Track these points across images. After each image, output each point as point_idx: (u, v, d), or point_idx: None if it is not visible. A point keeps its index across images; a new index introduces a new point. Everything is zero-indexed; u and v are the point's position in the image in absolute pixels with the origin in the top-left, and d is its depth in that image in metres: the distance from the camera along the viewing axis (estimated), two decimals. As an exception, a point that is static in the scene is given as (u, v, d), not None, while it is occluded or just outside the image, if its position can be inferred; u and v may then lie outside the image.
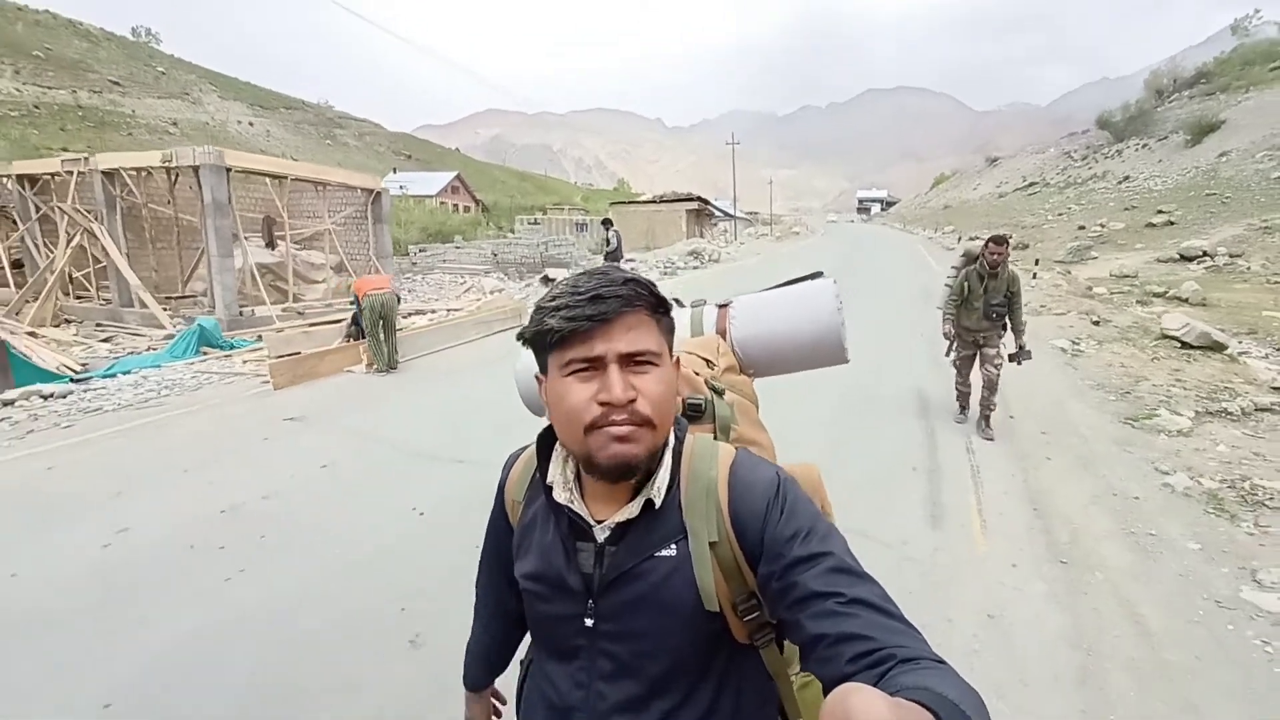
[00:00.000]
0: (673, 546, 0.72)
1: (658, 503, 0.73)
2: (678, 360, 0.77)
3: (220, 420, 5.27)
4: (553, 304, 0.69)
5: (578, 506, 0.75)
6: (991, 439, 4.57)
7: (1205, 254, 19.40)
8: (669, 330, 0.75)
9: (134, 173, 11.42)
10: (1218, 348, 6.91)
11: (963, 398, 5.00)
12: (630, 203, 38.15)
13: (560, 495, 0.76)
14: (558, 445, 0.79)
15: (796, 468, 0.90)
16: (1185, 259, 19.62)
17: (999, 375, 4.67)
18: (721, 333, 1.13)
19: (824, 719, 0.38)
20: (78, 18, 63.89)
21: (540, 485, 0.80)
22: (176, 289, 12.54)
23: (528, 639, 0.94)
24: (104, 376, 6.79)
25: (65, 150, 23.08)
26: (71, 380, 6.61)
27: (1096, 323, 8.27)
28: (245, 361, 7.55)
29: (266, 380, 6.29)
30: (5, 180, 12.54)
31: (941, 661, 0.53)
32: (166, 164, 10.58)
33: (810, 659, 0.62)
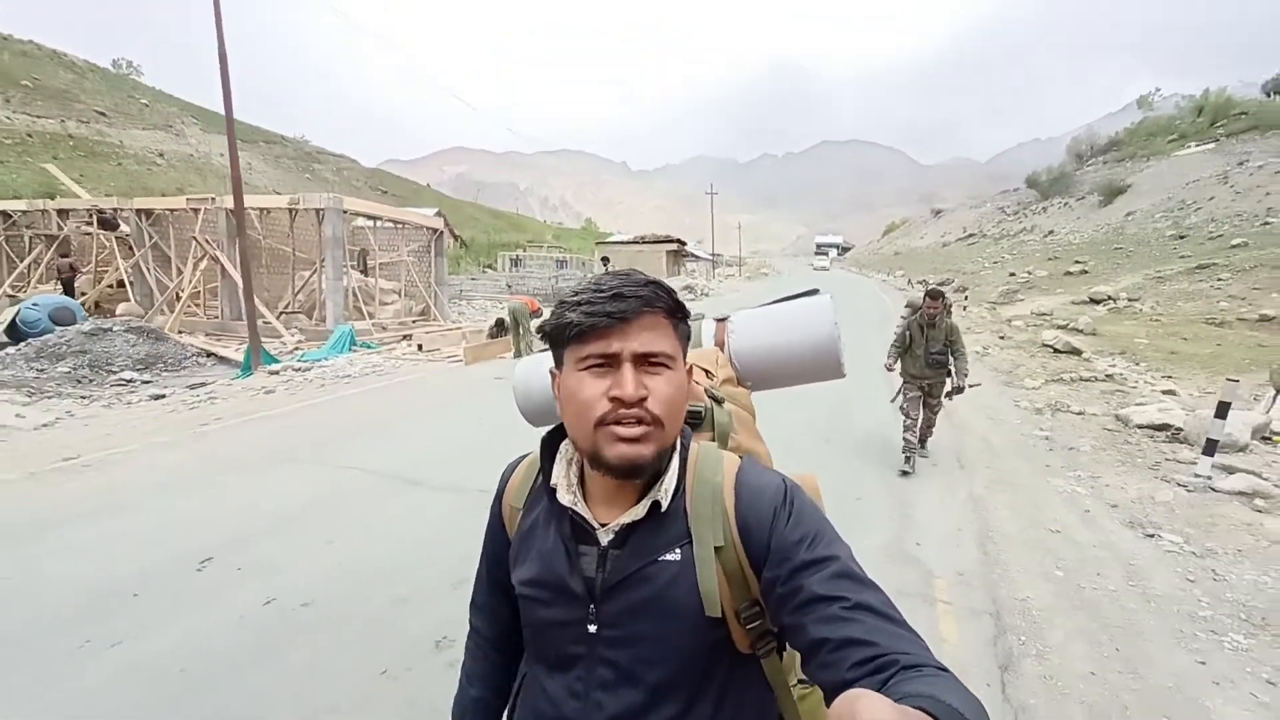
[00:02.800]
0: (677, 551, 0.72)
1: (665, 505, 0.73)
2: (690, 368, 0.79)
3: (448, 381, 7.96)
4: (575, 299, 0.71)
5: (581, 509, 0.75)
6: (926, 456, 5.19)
7: (1110, 298, 23.64)
8: (685, 336, 0.76)
9: (256, 211, 14.10)
10: (1076, 352, 10.46)
11: (908, 446, 4.91)
12: (615, 243, 41.65)
13: (564, 497, 0.76)
14: (562, 447, 0.80)
15: (795, 477, 0.85)
16: (1094, 301, 23.74)
17: (936, 416, 5.25)
18: (720, 345, 1.17)
19: None
20: (61, 49, 64.96)
21: (541, 491, 0.80)
22: (277, 307, 15.05)
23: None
24: (315, 360, 9.45)
25: (51, 176, 25.06)
26: (300, 361, 9.24)
27: (1003, 338, 11.83)
28: (394, 353, 10.32)
29: (455, 360, 9.08)
30: (128, 213, 14.96)
31: (944, 669, 0.53)
32: (293, 206, 13.35)
33: (812, 663, 0.62)
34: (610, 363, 0.69)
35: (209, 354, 11.11)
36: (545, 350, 1.04)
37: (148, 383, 9.09)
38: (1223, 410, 4.38)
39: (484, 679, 0.93)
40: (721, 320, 1.21)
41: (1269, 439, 6.22)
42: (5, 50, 56.58)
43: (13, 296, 14.15)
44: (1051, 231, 46.45)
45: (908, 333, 5.03)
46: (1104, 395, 7.47)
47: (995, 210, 59.33)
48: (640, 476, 0.71)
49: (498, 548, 0.88)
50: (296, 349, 11.61)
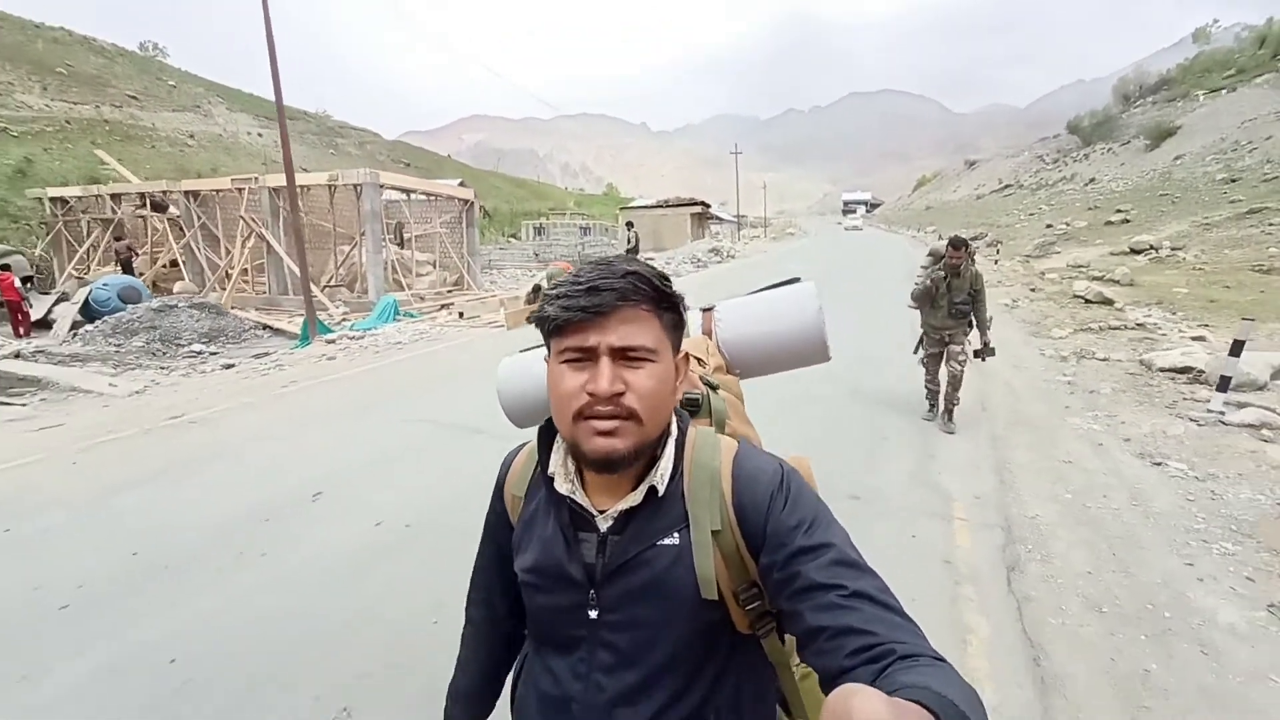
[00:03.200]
0: (675, 535, 0.74)
1: (661, 490, 0.74)
2: (685, 356, 0.78)
3: (493, 344, 8.46)
4: (555, 291, 0.71)
5: (579, 497, 0.76)
6: (953, 432, 4.77)
7: (1151, 247, 22.95)
8: (673, 326, 0.75)
9: (298, 189, 14.67)
10: (1108, 303, 10.47)
11: (931, 395, 5.08)
12: (639, 207, 41.51)
13: (562, 486, 0.77)
14: (559, 436, 0.80)
15: (788, 460, 0.86)
16: (1135, 252, 23.06)
17: (963, 372, 4.85)
18: (707, 334, 1.19)
19: (825, 719, 0.38)
20: (90, 34, 66.06)
21: (541, 479, 0.82)
22: (319, 281, 15.75)
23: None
24: (365, 329, 10.08)
25: (101, 163, 26.07)
26: (352, 331, 9.89)
27: (1033, 290, 11.85)
28: (437, 321, 10.89)
29: (496, 325, 9.61)
30: (177, 195, 15.69)
31: (941, 659, 0.54)
32: (332, 183, 13.85)
33: (809, 650, 0.63)
34: (588, 356, 0.69)
35: (265, 327, 11.84)
36: (531, 349, 1.12)
37: (215, 354, 9.83)
38: (1237, 348, 4.60)
39: (478, 668, 0.96)
40: (707, 310, 1.22)
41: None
42: (39, 39, 57.86)
43: (79, 278, 15.09)
44: (1093, 180, 44.68)
45: (930, 282, 4.87)
46: (1132, 343, 7.61)
47: (1033, 159, 57.06)
48: (616, 470, 0.72)
49: (500, 536, 0.89)
50: (344, 320, 12.27)
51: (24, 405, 6.84)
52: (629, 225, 17.56)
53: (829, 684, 0.57)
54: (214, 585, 2.94)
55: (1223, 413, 4.62)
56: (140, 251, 16.10)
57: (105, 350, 9.65)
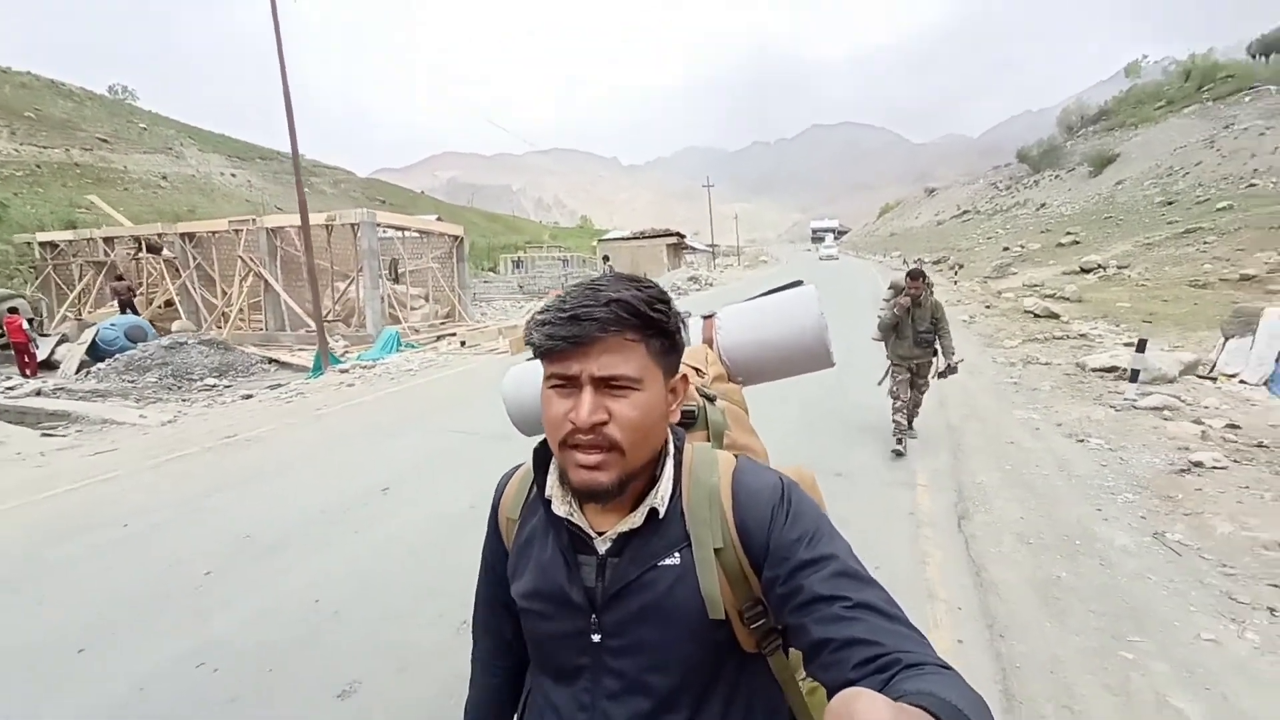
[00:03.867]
0: (676, 555, 0.73)
1: (661, 511, 0.73)
2: (684, 377, 0.77)
3: (500, 368, 9.07)
4: (541, 317, 0.70)
5: (577, 519, 0.75)
6: (914, 438, 5.18)
7: (1100, 266, 24.61)
8: (663, 351, 0.72)
9: (295, 229, 15.31)
10: (1054, 316, 11.64)
11: (898, 428, 4.96)
12: (617, 239, 42.75)
13: (559, 508, 0.76)
14: (555, 458, 0.78)
15: (789, 470, 0.87)
16: (1085, 271, 24.71)
17: (923, 396, 5.30)
18: (708, 342, 1.17)
19: None
20: (58, 78, 65.93)
21: (537, 501, 0.80)
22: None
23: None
24: (373, 359, 10.69)
25: (86, 207, 26.37)
26: (359, 361, 10.49)
27: (988, 307, 13.02)
28: (439, 350, 11.55)
29: (500, 351, 10.30)
30: (172, 237, 16.18)
31: (947, 666, 0.54)
32: (330, 222, 14.55)
33: (815, 663, 0.62)
34: (572, 384, 0.68)
35: (271, 360, 12.35)
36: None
37: (228, 386, 10.33)
38: (1141, 346, 5.60)
39: (487, 695, 0.94)
40: (708, 317, 1.21)
41: (1213, 379, 7.42)
42: (6, 83, 57.67)
43: (77, 319, 15.36)
44: (1044, 204, 47.18)
45: (893, 314, 5.02)
46: (1072, 349, 8.67)
47: (988, 186, 60.21)
48: (601, 502, 0.71)
49: (496, 561, 0.88)
50: (346, 352, 12.84)
51: (64, 435, 7.30)
52: (605, 259, 18.65)
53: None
54: (326, 553, 3.61)
55: (1134, 400, 5.58)
56: (137, 292, 16.46)
57: (121, 386, 10.09)
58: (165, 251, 16.42)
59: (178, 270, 16.24)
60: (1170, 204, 35.15)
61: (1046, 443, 4.99)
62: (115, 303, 15.38)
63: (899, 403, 5.03)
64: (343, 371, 9.93)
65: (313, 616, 2.95)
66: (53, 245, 18.31)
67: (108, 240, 17.38)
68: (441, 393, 8.15)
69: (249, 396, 9.07)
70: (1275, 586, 2.89)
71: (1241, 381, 7.44)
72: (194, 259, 15.99)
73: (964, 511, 3.87)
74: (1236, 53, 60.00)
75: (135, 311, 15.21)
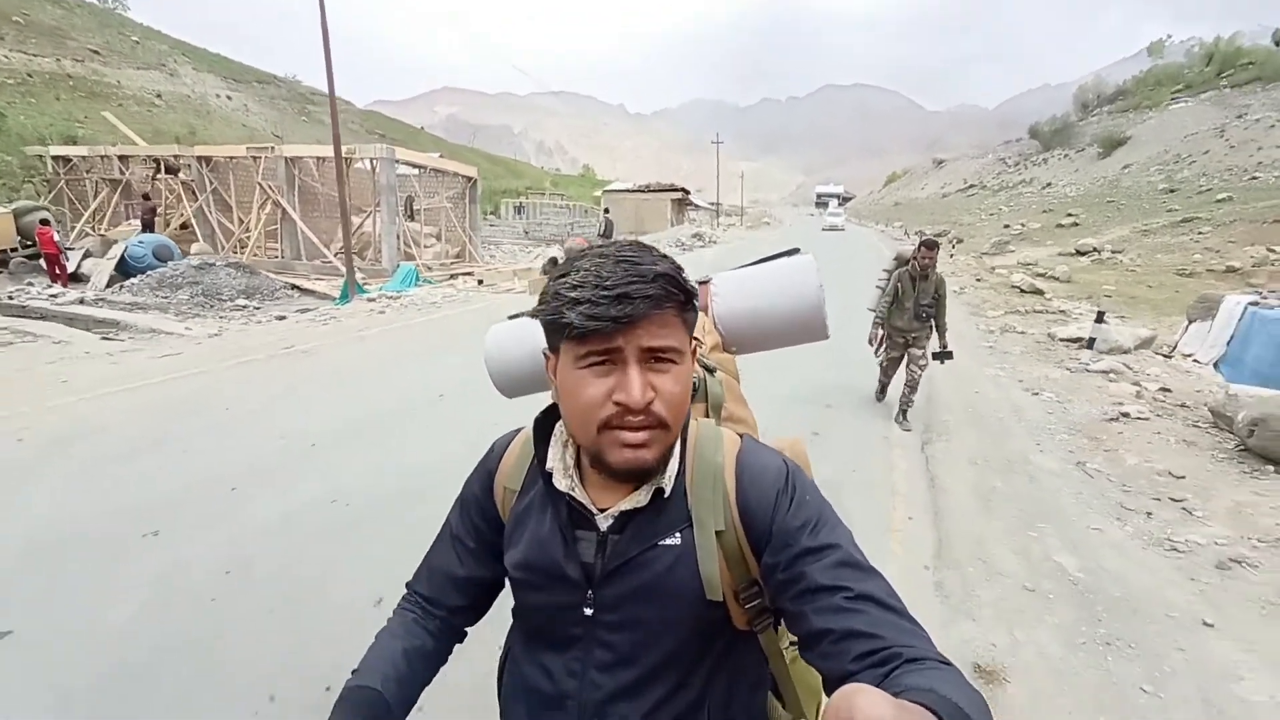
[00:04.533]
0: (677, 535, 0.72)
1: (668, 491, 0.73)
2: (694, 349, 0.75)
3: (520, 304, 9.73)
4: (573, 294, 0.65)
5: (579, 494, 0.75)
6: (909, 430, 4.90)
7: (1095, 250, 25.14)
8: (693, 324, 0.72)
9: (315, 159, 15.64)
10: (1039, 292, 12.41)
11: (882, 388, 5.41)
12: (622, 191, 42.67)
13: (561, 482, 0.75)
14: (557, 429, 0.79)
15: (783, 441, 0.89)
16: (1080, 253, 25.21)
17: (921, 376, 5.00)
18: (703, 309, 1.14)
19: (828, 718, 0.39)
20: (42, -20, 62.89)
21: (537, 472, 0.79)
22: (330, 248, 16.73)
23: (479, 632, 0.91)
24: (397, 291, 11.35)
25: (82, 120, 26.16)
26: (383, 291, 11.15)
27: (979, 280, 13.77)
28: (456, 287, 12.19)
29: (518, 291, 10.98)
30: (189, 160, 16.42)
31: (947, 662, 0.54)
32: (349, 156, 14.87)
33: (814, 653, 0.63)
34: (612, 358, 0.65)
35: (294, 287, 12.93)
36: (517, 316, 1.14)
37: (258, 308, 10.96)
38: (1100, 317, 6.41)
39: (400, 648, 0.83)
40: (704, 283, 1.18)
41: (1168, 356, 8.26)
42: (-9, -15, 55.09)
43: (102, 235, 15.71)
44: (1049, 184, 47.10)
45: (899, 285, 4.94)
46: (1048, 322, 9.47)
47: (996, 161, 59.84)
48: (645, 481, 0.71)
49: (483, 526, 0.85)
50: (365, 284, 13.43)
51: (120, 341, 7.98)
52: (605, 211, 19.13)
53: (834, 688, 0.54)
54: (404, 439, 4.41)
55: (1087, 364, 6.41)
56: (158, 213, 16.77)
57: (155, 301, 10.70)
58: (182, 174, 16.67)
59: (194, 193, 16.52)
60: (1173, 191, 35.37)
61: (1006, 393, 5.83)
62: (138, 221, 15.73)
63: (884, 375, 5.38)
64: (370, 300, 10.58)
65: (412, 475, 3.76)
66: (65, 159, 18.43)
67: (123, 159, 17.55)
68: (472, 323, 8.85)
69: (282, 318, 9.73)
70: (1157, 499, 3.75)
71: (1195, 361, 8.29)
72: (210, 183, 16.27)
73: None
74: (1264, 37, 58.65)
75: (153, 231, 15.58)
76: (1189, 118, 46.51)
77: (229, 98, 62.54)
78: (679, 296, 0.67)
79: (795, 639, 0.76)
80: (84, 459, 4.01)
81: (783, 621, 0.77)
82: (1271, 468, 4.00)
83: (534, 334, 1.06)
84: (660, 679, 0.74)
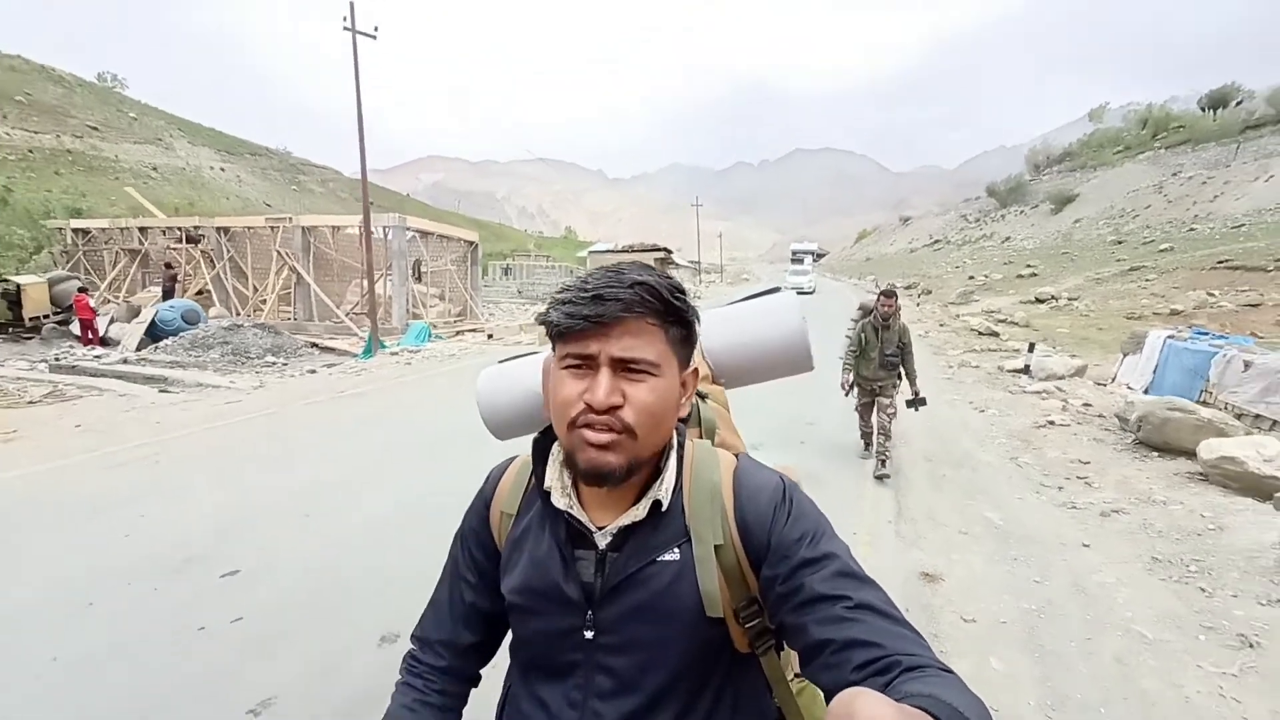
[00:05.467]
0: (675, 551, 0.73)
1: (665, 504, 0.73)
2: (694, 372, 0.77)
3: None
4: (561, 295, 0.71)
5: (577, 512, 0.75)
6: (888, 477, 4.91)
7: (1053, 297, 26.95)
8: (681, 340, 0.73)
9: (330, 229, 16.94)
10: (995, 334, 13.85)
11: (866, 437, 5.46)
12: (607, 251, 44.67)
13: (559, 500, 0.76)
14: (555, 449, 0.80)
15: (779, 469, 0.86)
16: (1039, 301, 26.96)
17: (892, 423, 5.06)
18: None
19: None
20: (47, 63, 65.71)
21: (534, 494, 0.80)
22: (342, 309, 17.79)
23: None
24: (415, 346, 12.38)
25: (84, 194, 27.42)
26: (401, 347, 12.18)
27: (942, 325, 15.25)
28: (465, 342, 13.26)
29: (527, 343, 12.07)
30: (207, 230, 17.60)
31: (947, 669, 0.54)
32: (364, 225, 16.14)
33: (815, 664, 0.62)
34: (588, 364, 0.68)
35: (314, 345, 13.89)
36: (510, 359, 1.25)
37: (285, 364, 11.88)
38: (1030, 349, 7.67)
39: (427, 711, 0.84)
40: None
41: (1104, 384, 9.54)
42: (-3, 66, 57.34)
43: (126, 302, 16.63)
44: (1008, 238, 49.96)
45: (862, 335, 5.06)
46: (1000, 358, 10.80)
47: (959, 218, 63.49)
48: (606, 484, 0.71)
49: (480, 557, 0.85)
50: (382, 340, 14.44)
51: (177, 393, 8.86)
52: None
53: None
54: (472, 456, 5.37)
55: (1024, 387, 7.65)
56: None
57: (188, 360, 11.59)
58: (201, 244, 17.82)
59: (212, 261, 17.63)
60: (1120, 243, 37.76)
61: (958, 412, 6.99)
62: (160, 288, 16.70)
63: (863, 420, 5.49)
64: (393, 354, 11.59)
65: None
66: (84, 232, 19.52)
67: (142, 230, 18.69)
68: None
69: (313, 371, 10.67)
70: (1068, 479, 4.87)
71: (1129, 388, 9.59)
72: (227, 251, 17.42)
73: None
74: (1195, 100, 63.49)
75: (170, 298, 16.54)
76: (1130, 176, 49.99)
77: (222, 169, 64.64)
78: (655, 305, 0.69)
79: (799, 672, 0.81)
80: (219, 469, 4.95)
81: (785, 648, 0.81)
82: (1154, 453, 5.16)
83: (525, 376, 1.13)
84: (662, 706, 0.73)
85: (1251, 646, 2.61)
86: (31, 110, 50.93)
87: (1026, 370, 7.77)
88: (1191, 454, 4.72)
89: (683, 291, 0.73)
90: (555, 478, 0.78)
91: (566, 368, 0.70)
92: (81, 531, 3.92)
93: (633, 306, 0.68)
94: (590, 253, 45.61)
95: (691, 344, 0.76)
